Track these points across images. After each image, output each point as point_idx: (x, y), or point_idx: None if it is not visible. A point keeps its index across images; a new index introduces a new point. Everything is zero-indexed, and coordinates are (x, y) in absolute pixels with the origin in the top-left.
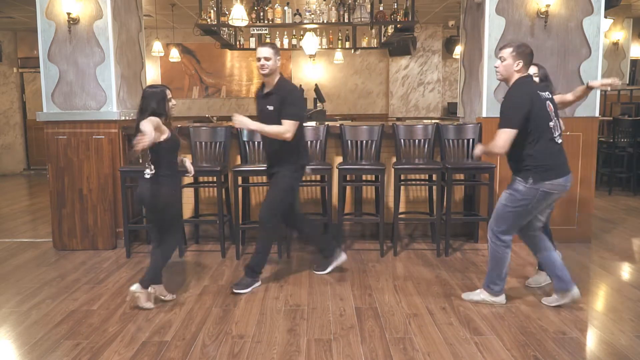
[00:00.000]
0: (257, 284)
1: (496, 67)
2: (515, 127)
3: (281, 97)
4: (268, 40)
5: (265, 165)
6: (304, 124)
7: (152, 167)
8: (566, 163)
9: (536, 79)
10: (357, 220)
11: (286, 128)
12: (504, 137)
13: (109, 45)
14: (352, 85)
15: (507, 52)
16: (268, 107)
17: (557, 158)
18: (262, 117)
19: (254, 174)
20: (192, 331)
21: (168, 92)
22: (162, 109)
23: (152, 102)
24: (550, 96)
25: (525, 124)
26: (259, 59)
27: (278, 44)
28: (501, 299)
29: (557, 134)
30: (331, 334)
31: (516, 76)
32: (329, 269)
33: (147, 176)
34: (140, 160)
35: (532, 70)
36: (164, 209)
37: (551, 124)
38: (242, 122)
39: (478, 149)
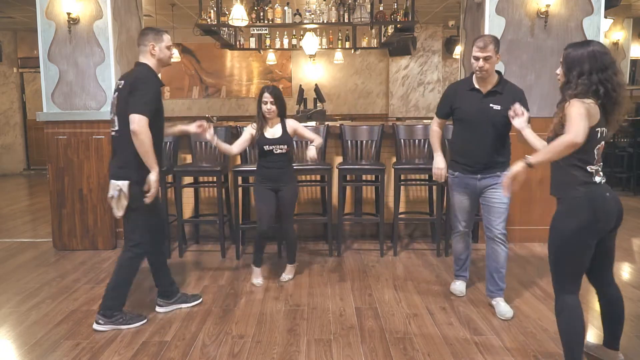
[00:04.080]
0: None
1: (482, 67)
2: None
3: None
4: (268, 40)
5: None
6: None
7: None
8: None
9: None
10: (357, 220)
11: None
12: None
13: (109, 45)
14: (352, 85)
15: (491, 48)
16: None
17: None
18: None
19: (254, 173)
20: (192, 331)
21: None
22: None
23: None
24: None
25: None
26: (170, 47)
27: (278, 44)
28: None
29: None
30: (331, 334)
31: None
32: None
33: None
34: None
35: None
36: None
37: None
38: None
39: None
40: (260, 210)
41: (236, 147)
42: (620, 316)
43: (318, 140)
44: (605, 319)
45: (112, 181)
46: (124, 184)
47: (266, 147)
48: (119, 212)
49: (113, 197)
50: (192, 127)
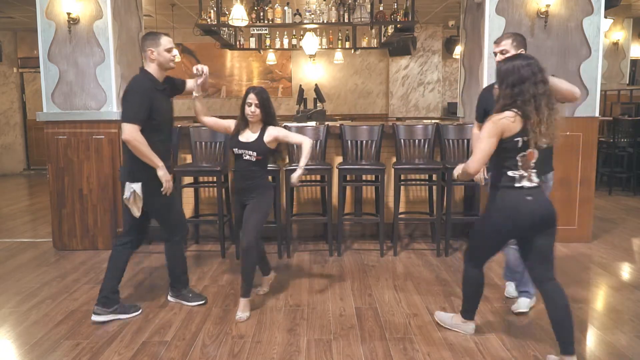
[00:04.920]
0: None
1: (499, 62)
2: None
3: (174, 84)
4: (268, 40)
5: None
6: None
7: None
8: None
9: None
10: (357, 220)
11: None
12: None
13: (109, 45)
14: (352, 85)
15: (508, 43)
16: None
17: None
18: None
19: None
20: (192, 331)
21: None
22: None
23: None
24: None
25: None
26: (170, 50)
27: (278, 44)
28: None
29: None
30: (331, 334)
31: None
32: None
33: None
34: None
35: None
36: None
37: None
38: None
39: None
40: (237, 227)
41: (209, 119)
42: (562, 318)
43: (303, 158)
44: (551, 321)
45: (127, 183)
46: (137, 186)
47: (235, 150)
48: (136, 213)
49: (128, 198)
50: (192, 82)
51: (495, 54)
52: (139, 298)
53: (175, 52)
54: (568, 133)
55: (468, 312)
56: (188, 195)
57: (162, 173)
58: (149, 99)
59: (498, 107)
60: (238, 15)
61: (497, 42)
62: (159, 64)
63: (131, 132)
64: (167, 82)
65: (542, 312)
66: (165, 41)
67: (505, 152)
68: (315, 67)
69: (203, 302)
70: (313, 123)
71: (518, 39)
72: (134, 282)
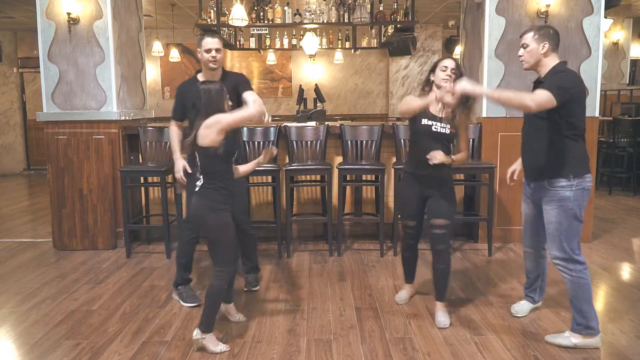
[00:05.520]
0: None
1: (520, 56)
2: (558, 102)
3: (234, 82)
4: (268, 40)
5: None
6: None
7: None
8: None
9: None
10: (357, 220)
11: (256, 103)
12: (544, 98)
13: (109, 45)
14: (352, 85)
15: (528, 37)
16: None
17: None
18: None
19: (253, 173)
20: (192, 331)
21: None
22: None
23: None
24: None
25: (568, 110)
26: (209, 50)
27: (278, 44)
28: (597, 339)
29: None
30: (331, 334)
31: (551, 61)
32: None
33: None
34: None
35: (448, 63)
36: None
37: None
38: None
39: (475, 89)
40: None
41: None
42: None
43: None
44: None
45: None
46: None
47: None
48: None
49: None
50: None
51: (519, 48)
52: (139, 298)
53: (214, 53)
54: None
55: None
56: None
57: (174, 166)
58: (181, 97)
59: None
60: (238, 15)
61: (521, 35)
62: (202, 63)
63: (170, 125)
64: (226, 81)
65: (542, 312)
66: (205, 42)
67: None
68: (315, 67)
69: (196, 304)
70: (313, 123)
71: (541, 31)
72: (133, 282)
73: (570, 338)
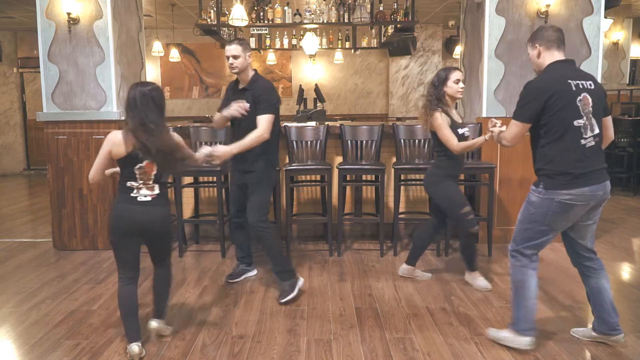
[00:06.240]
0: (300, 282)
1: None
2: (524, 120)
3: (255, 95)
4: (268, 40)
5: None
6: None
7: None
8: (595, 171)
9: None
10: (357, 220)
11: (261, 129)
12: (512, 130)
13: (109, 45)
14: (352, 85)
15: (528, 45)
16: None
17: (580, 165)
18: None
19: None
20: (192, 331)
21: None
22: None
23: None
24: (593, 86)
25: (539, 117)
26: (227, 57)
27: (278, 44)
28: (525, 340)
29: (588, 135)
30: (331, 334)
31: (548, 60)
32: (292, 295)
33: (148, 198)
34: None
35: (460, 75)
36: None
37: (579, 122)
38: (224, 153)
39: (489, 134)
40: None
41: None
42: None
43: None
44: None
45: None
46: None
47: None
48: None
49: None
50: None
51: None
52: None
53: (231, 59)
54: None
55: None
56: (188, 195)
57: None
58: (226, 97)
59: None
60: (238, 15)
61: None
62: None
63: None
64: (250, 89)
65: (542, 312)
66: (225, 49)
67: None
68: (315, 67)
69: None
70: (313, 123)
71: (532, 35)
72: None
73: (503, 331)
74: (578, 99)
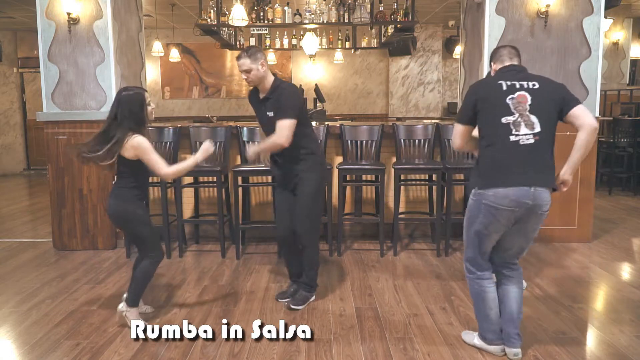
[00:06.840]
0: (312, 298)
1: None
2: (461, 122)
3: (276, 101)
4: (268, 40)
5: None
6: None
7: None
8: (524, 172)
9: None
10: (357, 220)
11: (278, 134)
12: (453, 132)
13: (109, 45)
14: (352, 85)
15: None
16: (268, 114)
17: (507, 163)
18: (264, 123)
19: (254, 174)
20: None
21: (146, 95)
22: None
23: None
24: (538, 86)
25: (475, 119)
26: (241, 72)
27: (278, 44)
28: (495, 348)
29: (521, 132)
30: (331, 334)
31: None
32: (302, 307)
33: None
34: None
35: None
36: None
37: (508, 119)
38: (254, 152)
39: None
40: None
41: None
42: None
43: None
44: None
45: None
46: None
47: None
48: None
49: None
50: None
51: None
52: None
53: (243, 74)
54: (568, 133)
55: None
56: (188, 195)
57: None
58: (255, 110)
59: None
60: (238, 15)
61: None
62: None
63: None
64: (272, 95)
65: (542, 312)
66: (237, 63)
67: None
68: (315, 67)
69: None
70: (313, 123)
71: (490, 57)
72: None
73: (475, 337)
74: (509, 97)
